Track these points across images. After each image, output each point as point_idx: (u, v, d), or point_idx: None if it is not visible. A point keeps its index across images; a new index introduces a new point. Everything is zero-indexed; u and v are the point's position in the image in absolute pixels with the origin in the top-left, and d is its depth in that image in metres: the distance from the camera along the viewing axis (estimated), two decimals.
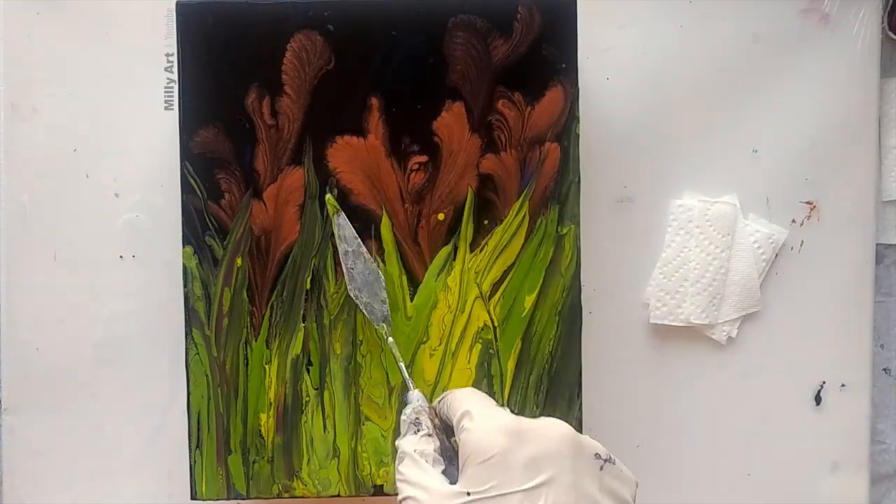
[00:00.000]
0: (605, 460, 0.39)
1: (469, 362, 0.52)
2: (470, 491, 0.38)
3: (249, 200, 0.51)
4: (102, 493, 0.57)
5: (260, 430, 0.52)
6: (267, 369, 0.52)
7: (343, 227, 0.50)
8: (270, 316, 0.51)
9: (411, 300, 0.52)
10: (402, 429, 0.45)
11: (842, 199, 0.58)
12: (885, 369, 0.60)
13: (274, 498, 0.52)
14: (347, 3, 0.50)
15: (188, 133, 0.51)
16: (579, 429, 0.53)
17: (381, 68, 0.51)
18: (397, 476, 0.42)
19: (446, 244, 0.52)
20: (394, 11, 0.50)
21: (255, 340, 0.52)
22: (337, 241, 0.50)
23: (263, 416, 0.52)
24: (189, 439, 0.52)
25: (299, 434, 0.52)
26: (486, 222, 0.52)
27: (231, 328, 0.51)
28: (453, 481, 0.40)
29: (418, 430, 0.44)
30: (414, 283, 0.52)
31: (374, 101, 0.51)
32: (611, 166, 0.57)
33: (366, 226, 0.51)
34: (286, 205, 0.51)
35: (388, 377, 0.52)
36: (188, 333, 0.51)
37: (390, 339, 0.50)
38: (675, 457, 0.58)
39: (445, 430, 0.45)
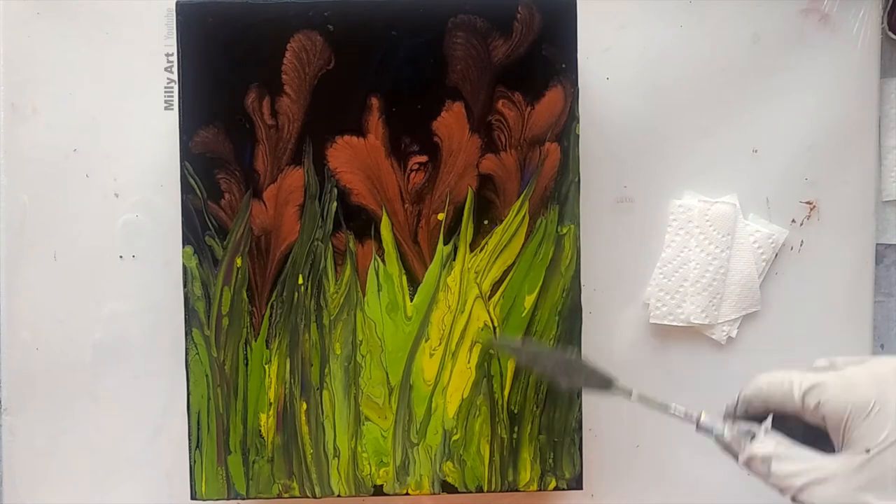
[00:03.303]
0: None
1: (469, 362, 0.52)
2: (868, 447, 0.39)
3: (249, 200, 0.51)
4: (102, 493, 0.57)
5: (260, 430, 0.52)
6: (267, 369, 0.52)
7: (505, 347, 0.51)
8: (270, 316, 0.52)
9: (411, 300, 0.52)
10: (734, 449, 0.43)
11: (842, 199, 0.58)
12: None
13: (274, 498, 0.52)
14: (347, 3, 0.50)
15: (188, 133, 0.51)
16: (579, 429, 0.53)
17: (381, 68, 0.51)
18: (778, 480, 0.41)
19: (446, 244, 0.52)
20: (394, 11, 0.50)
21: (255, 340, 0.52)
22: (517, 361, 0.51)
23: (263, 416, 0.52)
24: (189, 439, 0.52)
25: (299, 434, 0.52)
26: (486, 222, 0.52)
27: (231, 328, 0.51)
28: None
29: (753, 436, 0.43)
30: (414, 283, 0.52)
31: (374, 101, 0.51)
32: (611, 166, 0.57)
33: (366, 226, 0.52)
34: (286, 205, 0.51)
35: (387, 377, 0.52)
36: (188, 333, 0.51)
37: (634, 392, 0.47)
38: (675, 457, 0.58)
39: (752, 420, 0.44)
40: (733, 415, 0.45)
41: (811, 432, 0.42)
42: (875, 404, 0.39)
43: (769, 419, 0.43)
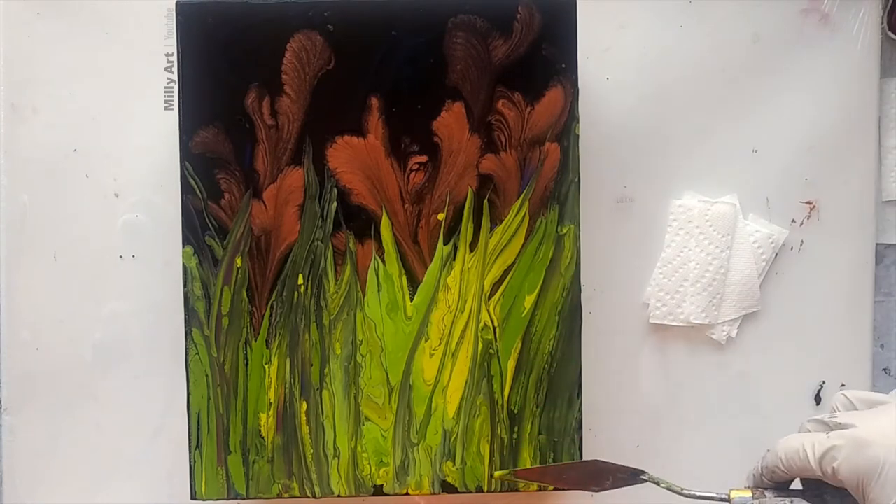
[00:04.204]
0: None
1: (467, 358, 0.52)
2: None
3: (249, 200, 0.51)
4: (102, 492, 0.57)
5: (260, 430, 0.52)
6: (267, 369, 0.52)
7: (528, 475, 0.51)
8: (270, 316, 0.51)
9: (411, 300, 0.52)
10: None
11: (842, 199, 0.58)
12: (884, 369, 0.60)
13: (274, 498, 0.52)
14: (347, 3, 0.50)
15: (188, 133, 0.51)
16: (579, 429, 0.53)
17: (381, 68, 0.51)
18: None
19: (446, 244, 0.52)
20: (394, 11, 0.50)
21: (255, 340, 0.52)
22: (540, 483, 0.51)
23: (263, 416, 0.52)
24: (189, 439, 0.52)
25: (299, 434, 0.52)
26: (486, 222, 0.52)
27: (231, 328, 0.51)
28: None
29: None
30: (414, 283, 0.52)
31: (374, 101, 0.51)
32: (611, 166, 0.57)
33: (366, 226, 0.52)
34: (286, 205, 0.51)
35: (387, 377, 0.52)
36: (188, 333, 0.51)
37: (663, 483, 0.48)
38: (675, 457, 0.58)
39: (780, 489, 0.44)
40: (761, 484, 0.45)
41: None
42: (884, 465, 0.39)
43: (795, 482, 0.44)
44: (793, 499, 0.43)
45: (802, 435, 0.42)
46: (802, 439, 0.42)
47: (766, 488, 0.44)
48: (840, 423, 0.42)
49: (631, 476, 0.48)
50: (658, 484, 0.47)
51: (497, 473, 0.52)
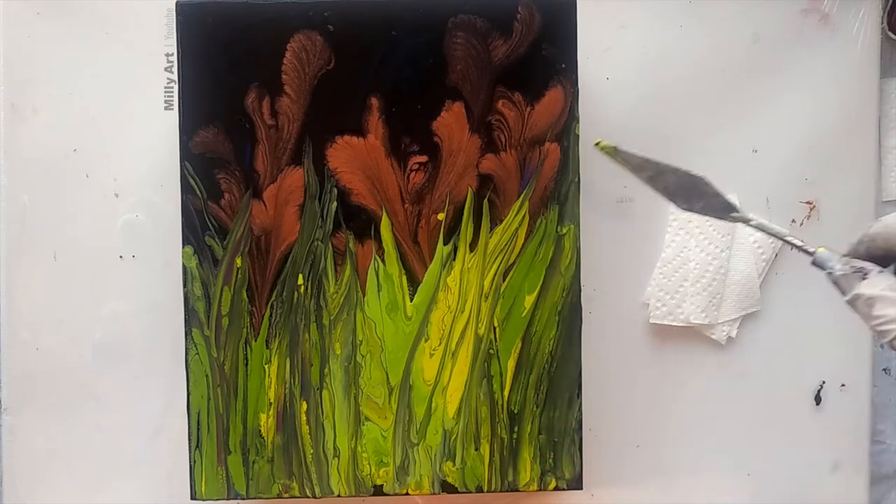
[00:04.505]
0: None
1: (467, 358, 0.52)
2: None
3: (249, 200, 0.51)
4: (102, 493, 0.57)
5: (260, 430, 0.52)
6: (267, 369, 0.52)
7: (629, 160, 0.47)
8: (270, 316, 0.52)
9: (411, 300, 0.52)
10: (844, 286, 0.42)
11: (842, 199, 0.58)
12: (884, 369, 0.60)
13: (274, 498, 0.52)
14: (347, 3, 0.50)
15: (188, 133, 0.51)
16: (579, 429, 0.53)
17: (381, 68, 0.51)
18: (877, 323, 0.40)
19: (446, 244, 0.52)
20: (394, 11, 0.50)
21: (255, 340, 0.52)
22: (634, 174, 0.47)
23: (263, 416, 0.52)
24: (189, 439, 0.52)
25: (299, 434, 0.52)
26: (485, 222, 0.52)
27: (231, 328, 0.51)
28: None
29: (865, 275, 0.41)
30: (414, 283, 0.52)
31: (374, 101, 0.51)
32: (611, 166, 0.57)
33: (366, 226, 0.52)
34: (286, 205, 0.51)
35: (387, 377, 0.52)
36: (188, 333, 0.51)
37: (754, 220, 0.46)
38: (675, 457, 0.58)
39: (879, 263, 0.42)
40: (855, 253, 0.42)
41: None
42: None
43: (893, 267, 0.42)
44: (882, 269, 0.41)
45: None
46: None
47: (857, 257, 0.42)
48: None
49: (722, 209, 0.46)
50: (747, 223, 0.46)
51: (602, 143, 0.48)
